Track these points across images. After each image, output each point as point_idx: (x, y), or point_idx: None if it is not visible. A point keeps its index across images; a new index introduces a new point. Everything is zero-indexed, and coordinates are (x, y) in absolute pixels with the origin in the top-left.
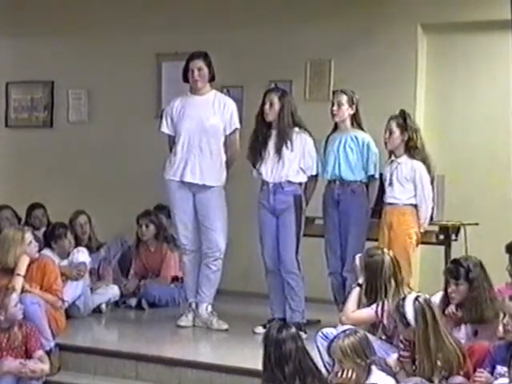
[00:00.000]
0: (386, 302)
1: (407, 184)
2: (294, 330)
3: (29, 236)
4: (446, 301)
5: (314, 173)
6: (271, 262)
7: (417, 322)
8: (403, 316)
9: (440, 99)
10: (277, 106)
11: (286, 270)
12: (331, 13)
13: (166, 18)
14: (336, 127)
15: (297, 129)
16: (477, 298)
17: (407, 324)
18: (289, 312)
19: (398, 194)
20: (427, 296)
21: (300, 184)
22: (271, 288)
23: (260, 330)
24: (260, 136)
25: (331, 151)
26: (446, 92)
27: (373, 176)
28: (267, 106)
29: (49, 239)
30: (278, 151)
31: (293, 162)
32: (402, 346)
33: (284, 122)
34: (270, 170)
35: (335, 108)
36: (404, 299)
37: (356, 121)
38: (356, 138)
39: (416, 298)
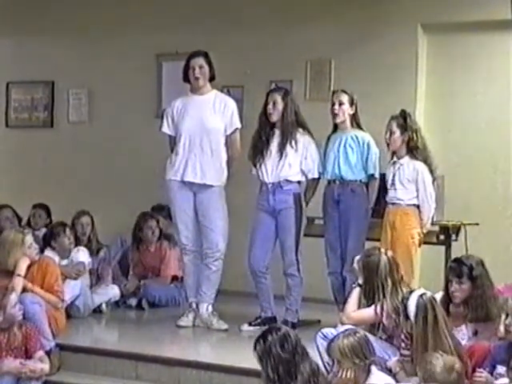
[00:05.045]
0: (385, 302)
1: (409, 185)
2: (281, 332)
3: (29, 239)
4: (446, 300)
5: (316, 176)
6: (255, 263)
7: (416, 318)
8: (405, 307)
9: (440, 99)
10: (280, 105)
11: (285, 272)
12: (331, 13)
13: (166, 18)
14: (336, 127)
15: (301, 130)
16: (482, 295)
17: (407, 317)
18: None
19: (400, 195)
20: (435, 296)
21: (299, 183)
22: (257, 288)
23: (246, 327)
24: (263, 136)
25: (331, 151)
26: (446, 92)
27: (373, 175)
28: (270, 106)
29: (49, 239)
30: (281, 151)
31: (294, 163)
32: (403, 344)
33: (287, 121)
34: (269, 169)
35: (336, 107)
36: (411, 292)
37: (355, 121)
38: (356, 137)
39: (422, 295)
